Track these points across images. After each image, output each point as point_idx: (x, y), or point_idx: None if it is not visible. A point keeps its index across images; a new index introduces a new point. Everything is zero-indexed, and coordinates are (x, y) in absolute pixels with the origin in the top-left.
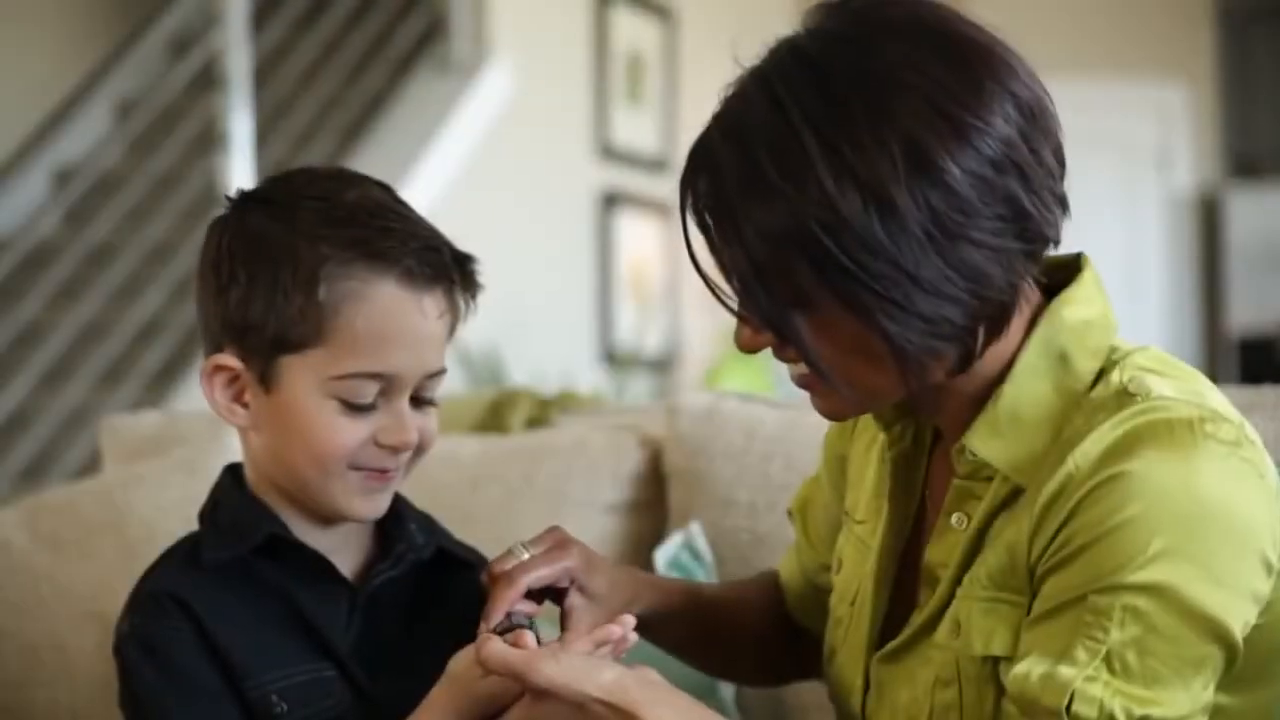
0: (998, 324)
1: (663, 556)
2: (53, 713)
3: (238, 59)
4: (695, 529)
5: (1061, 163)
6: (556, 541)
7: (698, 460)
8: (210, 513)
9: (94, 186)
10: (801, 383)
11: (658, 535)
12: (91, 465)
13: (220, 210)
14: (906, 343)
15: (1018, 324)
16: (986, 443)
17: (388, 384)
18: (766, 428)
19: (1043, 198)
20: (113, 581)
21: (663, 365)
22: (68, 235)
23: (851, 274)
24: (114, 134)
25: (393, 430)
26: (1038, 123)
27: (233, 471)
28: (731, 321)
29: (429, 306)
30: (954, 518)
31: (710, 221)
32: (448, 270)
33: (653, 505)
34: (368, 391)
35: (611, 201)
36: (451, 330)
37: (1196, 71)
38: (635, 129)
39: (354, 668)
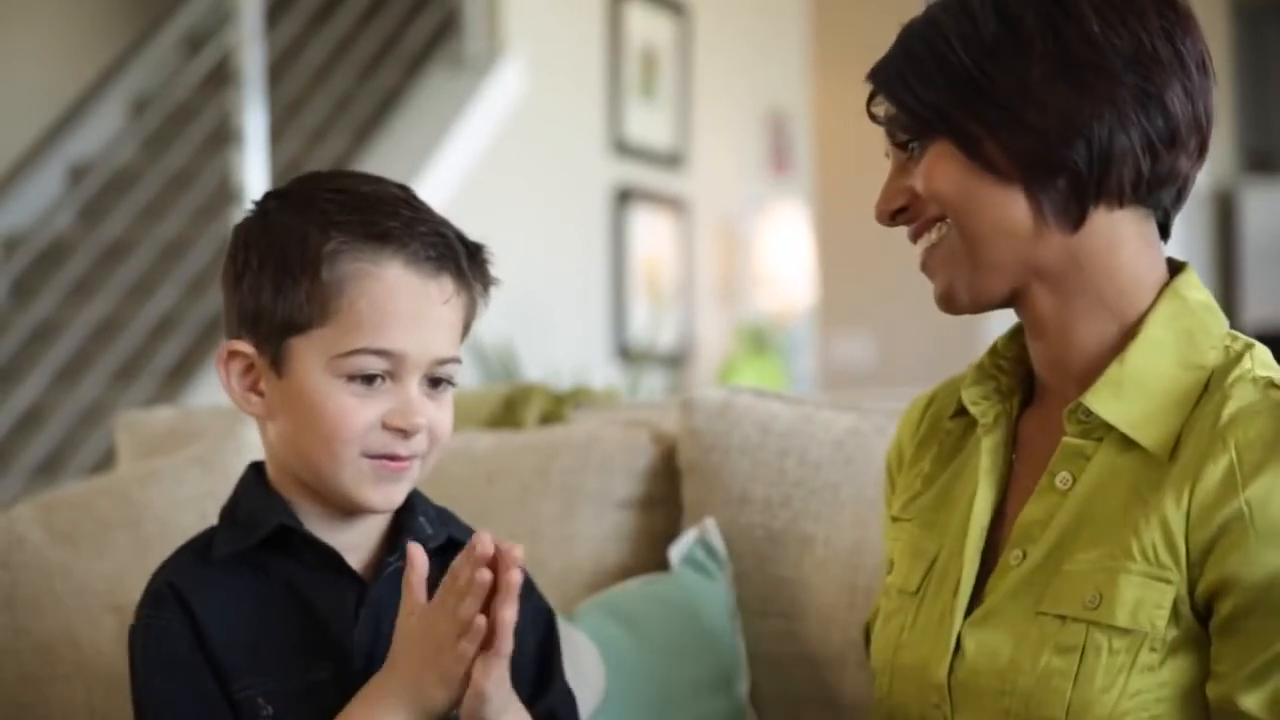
0: (1109, 175)
1: (677, 553)
2: (68, 708)
3: (251, 56)
4: (709, 525)
5: (1200, 121)
6: None
7: (712, 456)
8: (230, 509)
9: (108, 183)
10: (928, 256)
11: (672, 531)
12: (106, 462)
13: (238, 208)
14: (1026, 152)
15: (1144, 292)
16: (1108, 404)
17: (394, 364)
18: (781, 423)
19: (1188, 117)
20: (128, 577)
21: (676, 361)
22: (82, 232)
23: (975, 80)
24: (128, 131)
25: (400, 413)
26: (1205, 72)
27: (256, 468)
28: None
29: (435, 291)
30: (1059, 477)
31: (892, 65)
32: (455, 256)
33: (666, 501)
34: (373, 369)
35: (625, 197)
36: (466, 321)
37: None
38: (649, 125)
39: (359, 661)
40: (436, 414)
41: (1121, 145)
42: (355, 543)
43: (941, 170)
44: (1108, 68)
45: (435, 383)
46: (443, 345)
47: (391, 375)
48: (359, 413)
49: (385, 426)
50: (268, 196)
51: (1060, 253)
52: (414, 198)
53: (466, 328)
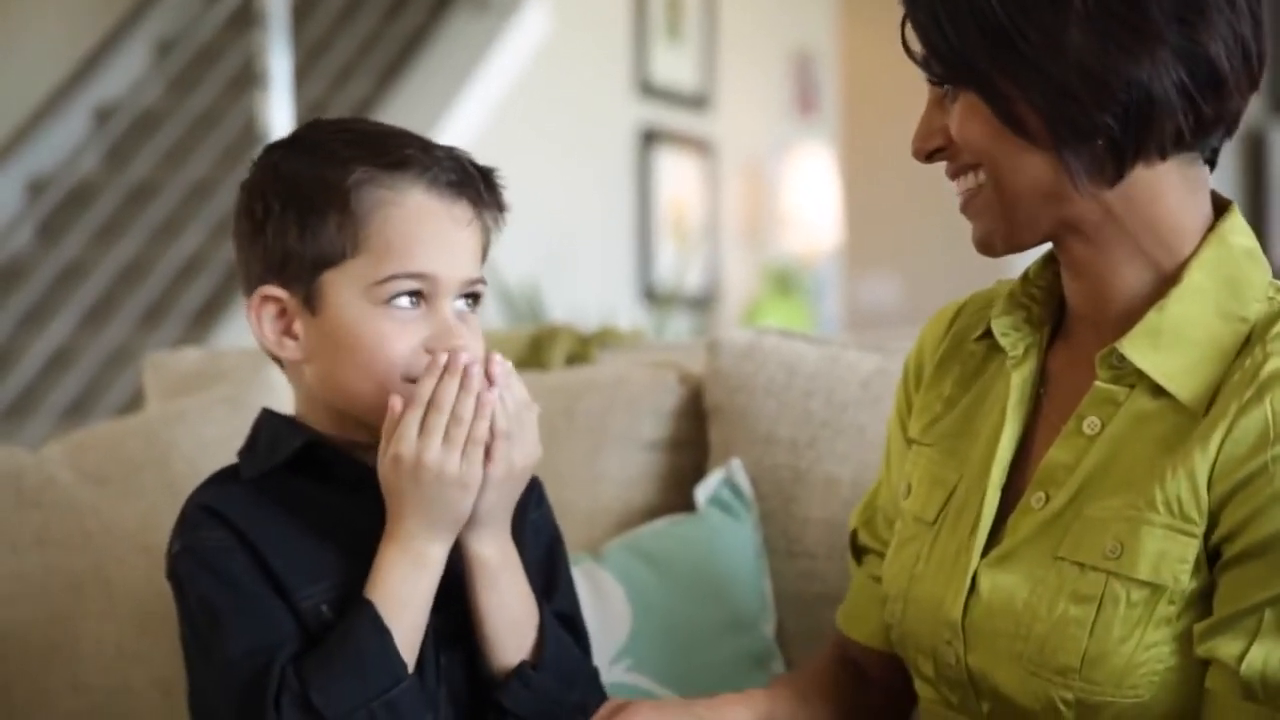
0: (1148, 135)
1: (703, 494)
2: (98, 646)
3: None
4: (736, 466)
5: (1251, 59)
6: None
7: (738, 397)
8: (249, 444)
9: (133, 125)
10: (966, 200)
11: (698, 472)
12: (134, 403)
13: (253, 162)
14: (1059, 116)
15: (1186, 238)
16: (1145, 354)
17: (429, 286)
18: (807, 364)
19: (1235, 61)
20: (157, 516)
21: (702, 303)
22: (108, 174)
23: (1008, 35)
24: (153, 72)
25: (442, 335)
26: (1252, 11)
27: (269, 412)
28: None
29: (458, 213)
30: (1086, 422)
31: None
32: (473, 180)
33: (693, 442)
34: (410, 291)
35: (651, 139)
36: (484, 245)
37: None
38: (675, 66)
39: None
40: (470, 338)
41: (1160, 103)
42: None
43: (971, 125)
44: (1150, 28)
45: (471, 300)
46: (469, 267)
47: (425, 299)
48: (400, 338)
49: (428, 351)
50: (270, 149)
51: (1096, 209)
52: (419, 135)
53: (484, 253)
